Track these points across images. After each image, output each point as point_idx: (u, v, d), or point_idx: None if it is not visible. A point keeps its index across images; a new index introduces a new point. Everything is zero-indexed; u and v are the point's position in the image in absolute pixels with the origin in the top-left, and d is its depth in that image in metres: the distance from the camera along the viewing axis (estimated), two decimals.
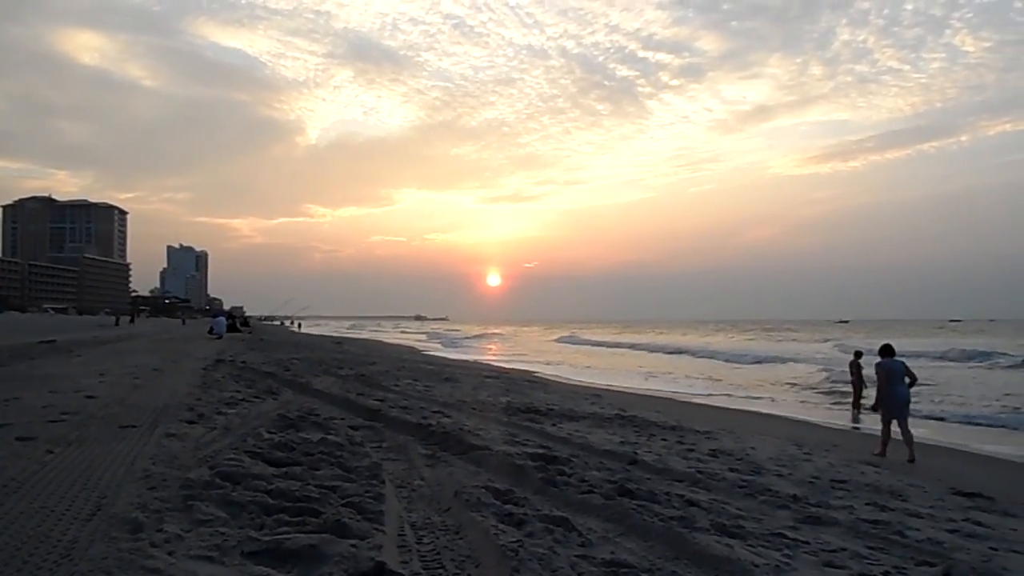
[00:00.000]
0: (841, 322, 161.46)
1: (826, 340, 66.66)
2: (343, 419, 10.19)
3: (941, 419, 17.80)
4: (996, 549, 5.76)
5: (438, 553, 4.47)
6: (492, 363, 35.43)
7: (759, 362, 39.15)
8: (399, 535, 4.75)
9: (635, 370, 33.28)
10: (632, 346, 57.22)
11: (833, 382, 26.00)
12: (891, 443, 12.10)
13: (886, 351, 12.64)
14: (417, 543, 4.65)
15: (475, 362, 33.52)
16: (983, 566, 5.08)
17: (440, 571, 4.16)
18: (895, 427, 12.11)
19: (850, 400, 20.46)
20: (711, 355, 45.20)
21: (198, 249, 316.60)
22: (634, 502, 5.98)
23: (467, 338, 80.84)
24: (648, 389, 24.61)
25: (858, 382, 20.30)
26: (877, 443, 12.32)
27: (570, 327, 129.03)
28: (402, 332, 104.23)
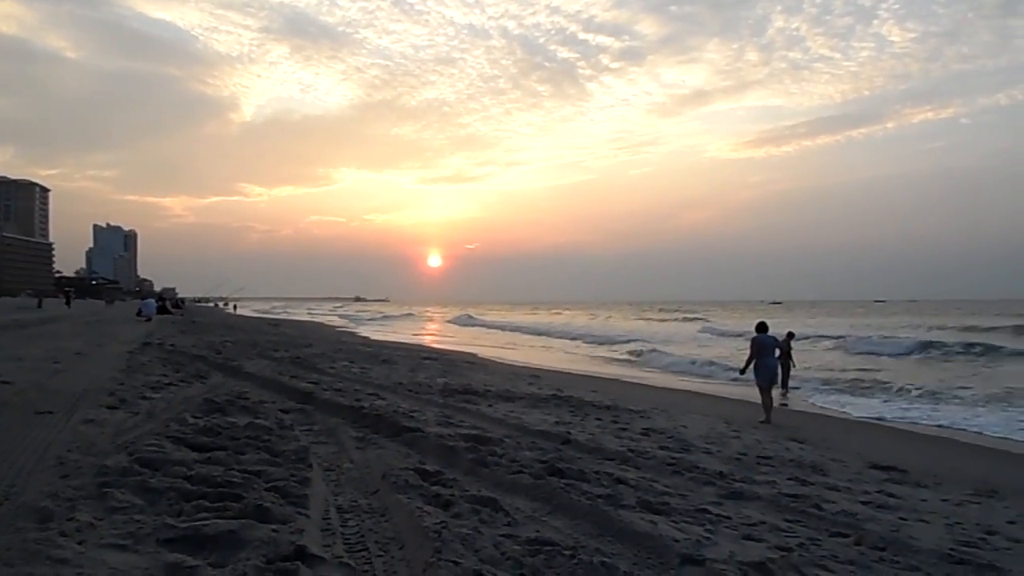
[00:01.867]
0: (774, 303, 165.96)
1: (700, 321, 68.26)
2: (274, 402, 10.00)
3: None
4: (905, 519, 6.02)
5: (362, 536, 4.43)
6: (434, 345, 35.31)
7: (603, 343, 40.46)
8: (324, 519, 4.69)
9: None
10: (515, 328, 57.39)
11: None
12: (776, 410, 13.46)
13: (761, 328, 14.05)
14: (342, 526, 4.59)
15: (416, 344, 33.33)
16: (891, 535, 5.30)
17: (363, 554, 4.12)
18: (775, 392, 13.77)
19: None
20: (573, 336, 46.52)
21: (127, 229, 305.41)
22: (563, 481, 6.03)
23: (371, 319, 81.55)
24: (587, 370, 24.89)
25: (786, 361, 20.90)
26: (762, 411, 13.42)
27: (485, 307, 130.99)
28: (308, 312, 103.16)
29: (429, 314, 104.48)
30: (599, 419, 11.06)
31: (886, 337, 35.99)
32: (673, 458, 8.03)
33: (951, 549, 5.07)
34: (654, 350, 32.10)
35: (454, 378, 15.54)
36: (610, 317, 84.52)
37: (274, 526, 4.20)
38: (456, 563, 3.62)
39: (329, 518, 4.72)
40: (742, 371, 14.18)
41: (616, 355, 32.95)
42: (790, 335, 21.76)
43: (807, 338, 36.14)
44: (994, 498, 7.56)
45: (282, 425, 8.05)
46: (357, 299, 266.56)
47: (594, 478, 6.37)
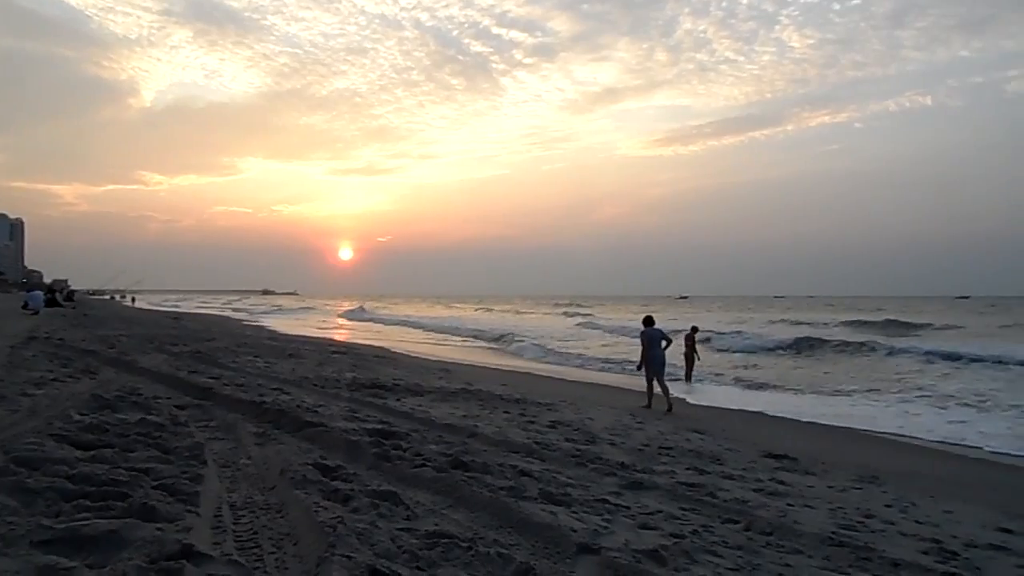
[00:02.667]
0: (681, 298, 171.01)
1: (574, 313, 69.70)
2: (169, 398, 9.59)
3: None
4: (793, 505, 6.31)
5: (256, 533, 4.29)
6: (342, 339, 34.69)
7: (474, 336, 41.48)
8: (215, 516, 4.52)
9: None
10: (404, 322, 57.22)
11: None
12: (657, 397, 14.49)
13: (648, 322, 15.18)
14: (234, 523, 4.44)
15: (323, 338, 32.65)
16: (779, 520, 5.55)
17: (256, 551, 4.00)
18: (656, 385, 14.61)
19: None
20: (443, 330, 47.31)
21: (13, 216, 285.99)
22: (467, 474, 6.03)
23: (268, 312, 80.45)
24: (500, 364, 25.01)
25: (690, 354, 21.56)
26: (643, 397, 14.69)
27: (392, 301, 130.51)
28: (198, 305, 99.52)
29: (330, 307, 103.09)
30: (507, 412, 11.12)
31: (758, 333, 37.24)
32: (578, 450, 8.15)
33: (832, 532, 5.34)
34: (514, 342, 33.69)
35: (363, 372, 15.30)
36: (498, 311, 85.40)
37: (160, 525, 4.02)
38: (350, 558, 3.55)
39: (221, 515, 4.56)
40: (639, 366, 15.08)
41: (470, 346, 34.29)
42: (694, 329, 22.48)
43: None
44: (874, 483, 8.02)
45: (176, 421, 7.73)
46: (265, 292, 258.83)
47: (498, 470, 6.39)
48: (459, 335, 42.67)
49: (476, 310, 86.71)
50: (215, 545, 3.94)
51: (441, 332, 45.57)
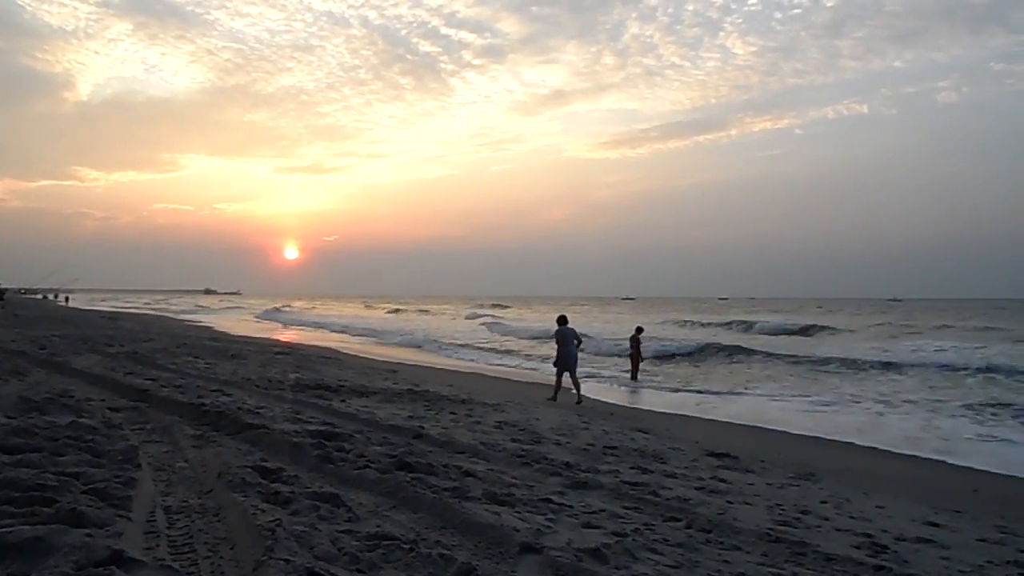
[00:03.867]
0: (626, 299, 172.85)
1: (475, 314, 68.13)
2: (103, 400, 9.28)
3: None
4: (732, 502, 6.43)
5: (191, 537, 4.18)
6: (287, 340, 34.11)
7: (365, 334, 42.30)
8: (148, 521, 4.39)
9: None
10: (317, 323, 56.17)
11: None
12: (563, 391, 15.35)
13: (561, 321, 16.09)
14: (168, 528, 4.32)
15: (267, 339, 32.05)
16: (718, 517, 5.65)
17: (190, 555, 3.90)
18: (567, 378, 15.49)
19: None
20: (338, 329, 47.89)
21: None
22: (410, 475, 5.98)
23: (190, 311, 78.53)
24: (447, 364, 24.92)
25: (636, 354, 21.87)
26: (551, 391, 15.55)
27: (332, 301, 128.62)
28: (122, 304, 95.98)
29: (259, 306, 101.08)
30: (454, 413, 11.08)
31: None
32: (523, 450, 8.16)
33: (770, 529, 5.46)
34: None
35: (308, 373, 15.07)
36: (410, 311, 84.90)
37: (89, 531, 3.87)
38: (288, 561, 3.49)
39: (155, 520, 4.42)
40: (555, 363, 15.87)
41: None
42: (639, 330, 22.80)
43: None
44: (811, 480, 8.24)
45: (110, 424, 7.48)
46: (207, 292, 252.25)
47: (442, 471, 6.36)
48: (350, 334, 43.49)
49: (386, 312, 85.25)
50: (147, 551, 3.83)
51: (335, 332, 46.00)
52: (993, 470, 10.07)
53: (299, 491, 5.06)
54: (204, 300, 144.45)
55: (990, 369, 22.51)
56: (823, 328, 44.08)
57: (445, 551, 4.02)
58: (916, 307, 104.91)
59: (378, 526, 4.46)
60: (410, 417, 10.10)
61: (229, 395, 10.57)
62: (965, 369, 22.83)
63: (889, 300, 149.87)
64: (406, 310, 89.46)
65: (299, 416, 9.07)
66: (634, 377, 21.63)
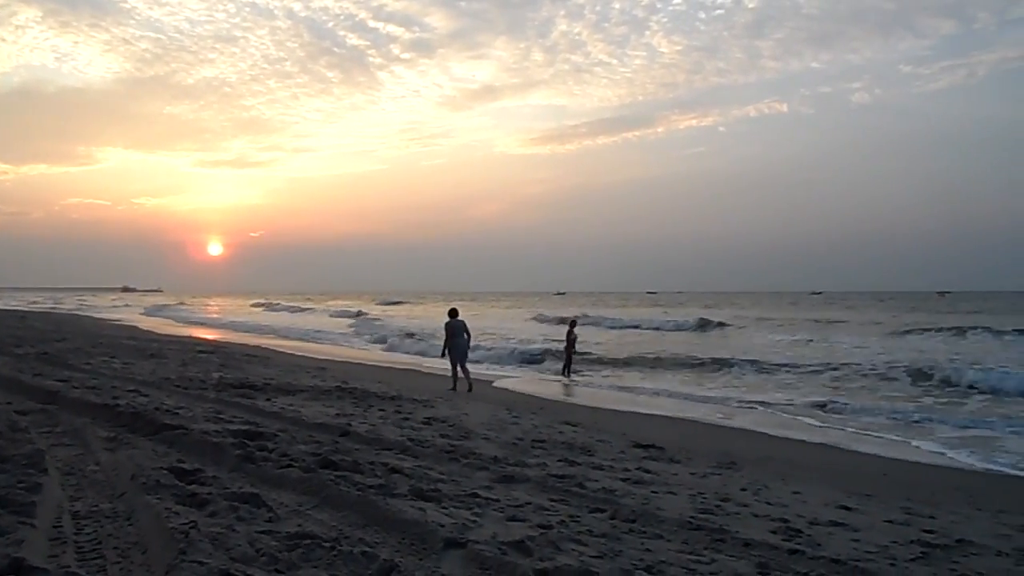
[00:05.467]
0: (558, 294, 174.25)
1: (350, 312, 65.97)
2: (9, 403, 8.83)
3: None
4: (656, 492, 6.55)
5: (99, 543, 4.01)
6: (212, 338, 33.15)
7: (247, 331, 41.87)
8: (55, 527, 4.19)
9: None
10: (201, 321, 55.31)
11: None
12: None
13: (452, 313, 16.57)
14: (76, 534, 4.13)
15: (189, 337, 31.06)
16: (642, 507, 5.75)
17: (98, 561, 3.74)
18: (460, 370, 16.00)
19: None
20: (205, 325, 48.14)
21: None
22: (335, 473, 5.89)
23: (77, 309, 74.72)
24: (379, 360, 24.65)
25: (570, 348, 22.03)
26: (450, 381, 16.07)
27: (243, 298, 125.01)
28: (32, 302, 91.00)
29: (158, 302, 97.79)
30: (382, 410, 10.97)
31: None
32: (452, 445, 8.14)
33: (691, 517, 5.59)
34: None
35: (231, 372, 14.67)
36: (285, 307, 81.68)
37: None
38: (202, 563, 3.38)
39: (61, 526, 4.23)
40: (442, 354, 16.49)
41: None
42: (573, 323, 23.02)
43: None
44: (732, 469, 8.48)
45: (15, 428, 7.12)
46: (125, 289, 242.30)
47: (368, 469, 6.28)
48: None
49: (260, 308, 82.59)
50: (51, 558, 3.66)
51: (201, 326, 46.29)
52: (898, 457, 10.58)
53: (217, 492, 4.92)
54: (134, 298, 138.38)
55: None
56: (724, 325, 44.60)
57: (368, 548, 3.97)
58: (834, 300, 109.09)
59: (299, 525, 4.37)
60: (338, 415, 9.94)
61: (146, 395, 10.20)
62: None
63: (811, 294, 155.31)
64: (279, 304, 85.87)
65: (221, 416, 8.82)
66: (566, 371, 21.82)
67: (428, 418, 10.43)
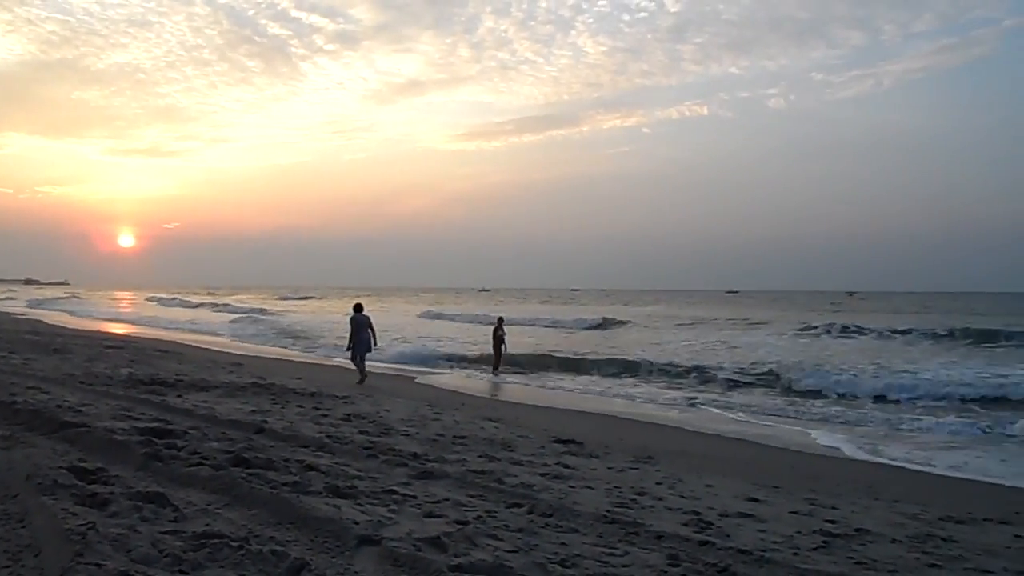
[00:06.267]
0: (483, 290, 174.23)
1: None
2: None
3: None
4: (574, 487, 6.63)
5: None
6: (123, 333, 31.81)
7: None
8: None
9: None
10: (69, 311, 54.58)
11: None
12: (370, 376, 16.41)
13: (357, 309, 17.00)
14: None
15: (98, 332, 29.71)
16: (559, 502, 5.81)
17: None
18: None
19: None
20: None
21: None
22: (247, 471, 5.73)
23: None
24: (300, 356, 24.12)
25: (498, 346, 22.05)
26: (358, 375, 16.41)
27: (152, 290, 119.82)
28: None
29: (48, 295, 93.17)
30: (300, 406, 10.75)
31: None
32: (371, 442, 8.04)
33: (607, 511, 5.68)
34: None
35: (141, 368, 14.12)
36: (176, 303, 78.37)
37: None
38: (99, 566, 3.23)
39: None
40: (348, 347, 16.82)
41: None
42: (500, 320, 23.07)
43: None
44: (649, 463, 8.66)
45: None
46: (28, 281, 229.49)
47: (283, 466, 6.15)
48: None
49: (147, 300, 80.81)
50: None
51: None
52: (804, 450, 11.04)
53: (120, 492, 4.72)
54: (41, 291, 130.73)
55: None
56: (623, 323, 45.58)
57: (278, 547, 3.88)
58: (751, 298, 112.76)
59: (207, 525, 4.24)
60: (253, 411, 9.69)
61: (47, 392, 9.70)
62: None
63: (728, 292, 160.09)
64: (175, 299, 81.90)
65: (128, 413, 8.46)
66: (495, 369, 21.85)
67: (348, 414, 10.27)
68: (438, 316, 52.39)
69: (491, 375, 21.37)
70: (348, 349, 16.84)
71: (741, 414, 14.86)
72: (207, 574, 3.46)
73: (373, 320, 17.11)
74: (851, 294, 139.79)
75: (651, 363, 23.02)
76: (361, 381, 16.01)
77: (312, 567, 3.65)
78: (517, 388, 18.67)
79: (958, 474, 9.83)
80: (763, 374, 20.72)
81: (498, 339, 21.99)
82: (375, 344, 17.38)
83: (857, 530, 5.80)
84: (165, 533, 3.97)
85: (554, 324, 43.64)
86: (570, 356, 25.55)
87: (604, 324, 44.13)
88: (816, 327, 37.75)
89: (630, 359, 24.04)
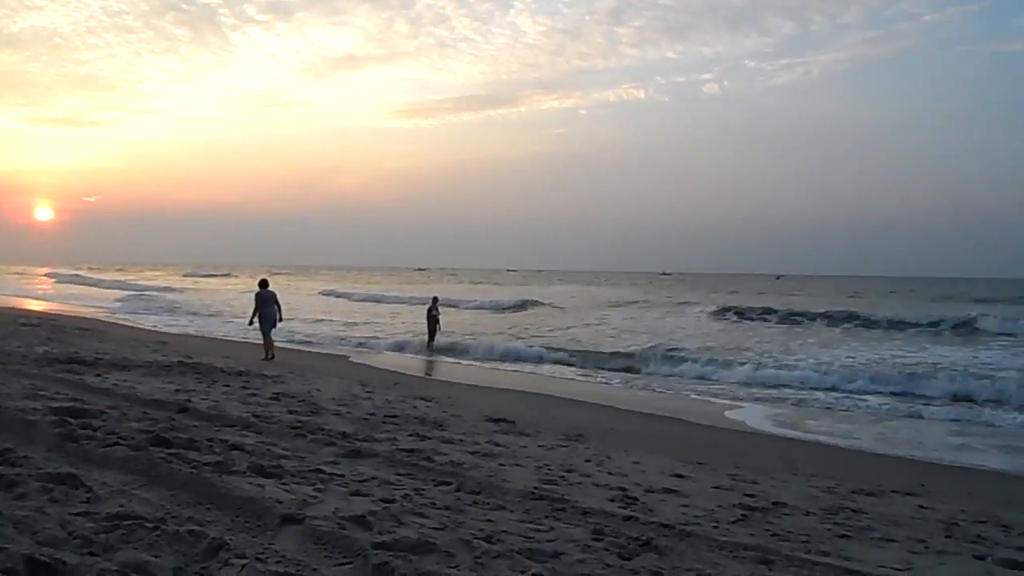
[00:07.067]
0: (419, 270, 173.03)
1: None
2: None
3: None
4: (504, 465, 6.67)
5: None
6: (40, 310, 30.45)
7: None
8: None
9: None
10: None
11: None
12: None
13: (263, 284, 17.28)
14: None
15: (12, 308, 28.34)
16: (488, 480, 5.83)
17: None
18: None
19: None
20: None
21: None
22: (168, 451, 5.56)
23: None
24: (229, 334, 23.53)
25: (432, 324, 22.09)
26: (263, 350, 16.57)
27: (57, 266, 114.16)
28: None
29: None
30: (228, 385, 10.50)
31: None
32: (300, 421, 7.92)
33: (535, 488, 5.73)
34: None
35: (58, 346, 13.55)
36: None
37: None
38: (2, 549, 3.09)
39: None
40: (250, 321, 17.08)
41: None
42: (435, 300, 23.04)
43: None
44: (579, 441, 8.78)
45: None
46: None
47: (206, 446, 5.99)
48: None
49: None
50: None
51: None
52: (729, 428, 11.38)
53: (28, 473, 4.51)
54: None
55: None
56: (540, 304, 45.54)
57: (196, 527, 3.78)
58: (683, 280, 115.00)
59: (121, 506, 4.09)
60: (177, 391, 9.42)
61: None
62: None
63: (661, 274, 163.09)
64: (77, 276, 77.37)
65: (41, 392, 8.10)
66: (429, 346, 21.84)
67: (277, 393, 10.09)
68: (335, 294, 53.18)
69: (427, 352, 21.38)
70: (250, 323, 17.08)
71: (669, 391, 15.21)
72: (119, 555, 3.35)
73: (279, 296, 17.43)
74: (779, 277, 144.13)
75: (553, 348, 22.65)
76: (269, 357, 16.05)
77: (231, 547, 3.57)
78: (453, 367, 18.66)
79: (873, 449, 10.30)
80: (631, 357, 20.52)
81: (432, 318, 22.09)
82: (280, 319, 17.32)
83: (775, 503, 6.01)
84: (76, 515, 3.82)
85: (480, 306, 43.48)
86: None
87: (524, 305, 44.22)
88: (729, 309, 38.72)
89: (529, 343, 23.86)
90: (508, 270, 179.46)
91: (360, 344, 22.97)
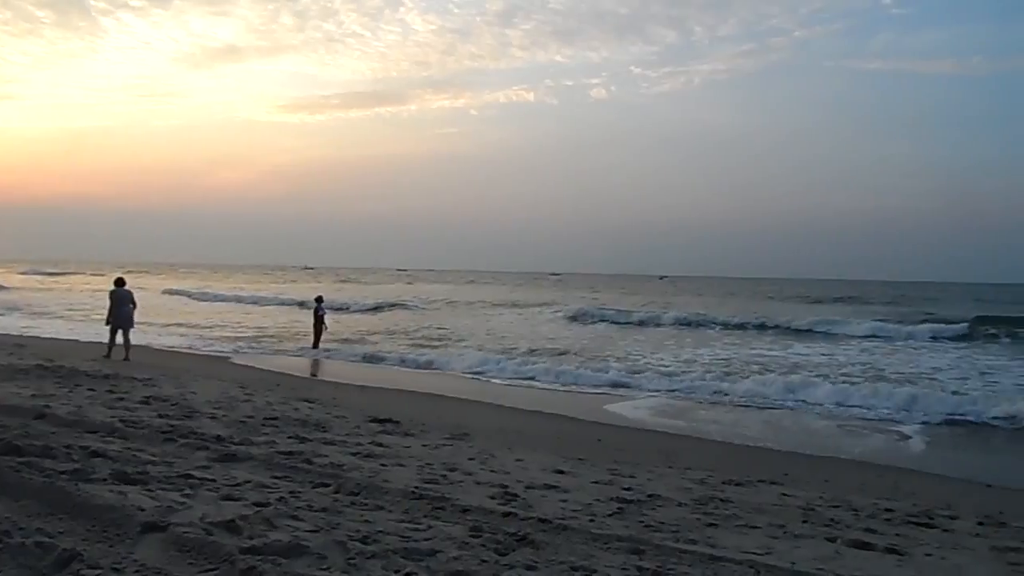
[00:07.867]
0: (307, 268, 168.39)
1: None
2: None
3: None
4: (385, 465, 6.60)
5: None
6: None
7: None
8: None
9: None
10: None
11: None
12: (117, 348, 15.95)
13: (119, 283, 16.89)
14: None
15: None
16: (368, 480, 5.76)
17: None
18: (120, 337, 16.09)
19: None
20: None
21: None
22: (19, 460, 5.18)
23: None
24: (98, 336, 22.09)
25: (318, 324, 21.67)
26: (105, 348, 16.20)
27: None
28: None
29: None
30: (92, 389, 9.90)
31: None
32: (171, 425, 7.56)
33: (416, 487, 5.70)
34: None
35: None
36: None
37: None
38: None
39: None
40: (107, 321, 16.44)
41: None
42: (319, 299, 22.57)
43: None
44: (464, 440, 8.80)
45: None
46: None
47: (63, 453, 5.62)
48: None
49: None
50: None
51: None
52: (615, 424, 11.72)
53: None
54: None
55: None
56: (403, 307, 45.12)
57: (45, 539, 3.54)
58: (558, 282, 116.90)
59: None
60: (34, 395, 8.81)
61: None
62: None
63: (551, 275, 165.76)
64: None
65: None
66: (315, 346, 21.40)
67: (147, 397, 9.60)
68: (177, 293, 51.85)
69: (313, 352, 20.94)
70: (107, 323, 16.42)
71: (553, 387, 15.49)
72: None
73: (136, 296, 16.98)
74: (662, 278, 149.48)
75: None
76: (126, 357, 15.53)
77: (84, 558, 3.37)
78: (338, 367, 18.29)
79: (745, 442, 10.86)
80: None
81: (318, 318, 21.73)
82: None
83: (650, 496, 6.23)
84: None
85: (342, 307, 42.45)
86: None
87: (379, 307, 43.67)
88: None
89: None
90: (398, 269, 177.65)
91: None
